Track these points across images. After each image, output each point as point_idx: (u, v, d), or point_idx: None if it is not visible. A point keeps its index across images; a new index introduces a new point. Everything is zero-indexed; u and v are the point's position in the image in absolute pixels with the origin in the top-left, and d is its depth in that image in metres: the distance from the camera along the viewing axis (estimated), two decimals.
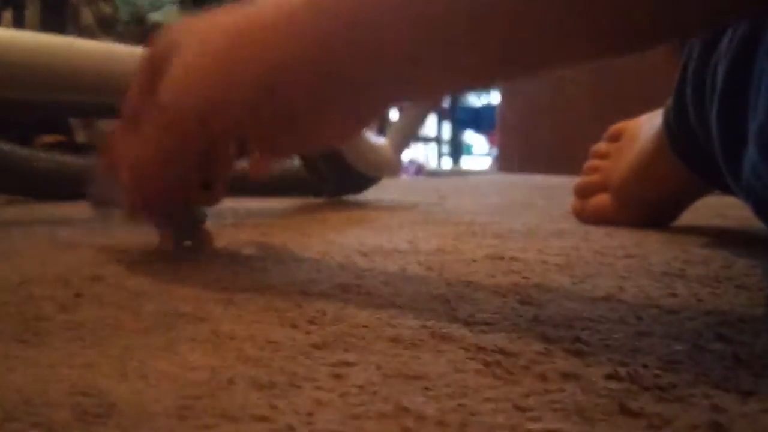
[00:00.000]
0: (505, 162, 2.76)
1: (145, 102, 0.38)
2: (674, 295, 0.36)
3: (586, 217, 0.73)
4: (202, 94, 0.36)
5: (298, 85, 0.34)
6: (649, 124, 0.68)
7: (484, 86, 0.48)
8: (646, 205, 0.69)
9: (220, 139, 0.39)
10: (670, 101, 0.59)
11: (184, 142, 0.37)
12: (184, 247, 0.45)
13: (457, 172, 3.45)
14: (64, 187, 0.87)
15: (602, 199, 0.72)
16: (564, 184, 1.24)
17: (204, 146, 0.38)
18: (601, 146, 0.76)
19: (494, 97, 4.55)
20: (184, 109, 0.36)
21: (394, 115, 1.16)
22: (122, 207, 0.42)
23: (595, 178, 0.73)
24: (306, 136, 0.38)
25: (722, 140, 0.37)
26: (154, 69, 0.38)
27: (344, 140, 0.41)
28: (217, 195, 0.44)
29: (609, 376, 0.22)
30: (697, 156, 0.57)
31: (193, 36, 0.36)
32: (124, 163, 0.40)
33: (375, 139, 0.96)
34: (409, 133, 1.01)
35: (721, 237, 0.63)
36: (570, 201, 0.77)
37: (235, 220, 0.68)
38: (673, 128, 0.59)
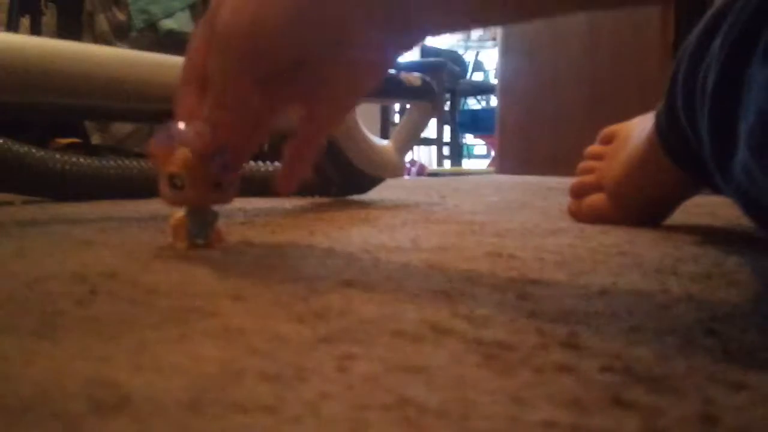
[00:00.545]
0: (504, 164, 2.75)
1: (208, 53, 0.39)
2: (666, 291, 0.36)
3: (581, 216, 0.74)
4: (255, 13, 0.36)
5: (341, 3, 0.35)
6: (642, 126, 0.68)
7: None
8: (639, 204, 0.69)
9: (275, 66, 0.39)
10: (661, 104, 0.60)
11: (249, 63, 0.38)
12: (196, 245, 0.45)
13: (457, 173, 3.43)
14: (80, 187, 0.88)
15: (597, 199, 0.73)
16: (560, 185, 1.24)
17: (265, 71, 0.39)
18: (595, 148, 0.76)
19: (493, 101, 4.54)
20: (240, 31, 0.37)
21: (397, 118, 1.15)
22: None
23: (589, 178, 0.74)
24: (349, 61, 0.39)
25: (712, 141, 0.37)
26: (211, 22, 0.39)
27: (384, 69, 0.42)
28: (230, 194, 0.45)
29: (603, 369, 0.23)
30: (687, 157, 0.57)
31: None
32: (197, 115, 0.40)
33: (379, 141, 0.97)
34: (412, 136, 1.02)
35: (711, 235, 0.63)
36: (566, 201, 0.77)
37: (245, 219, 0.68)
38: (664, 130, 0.60)
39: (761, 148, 0.30)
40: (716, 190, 0.59)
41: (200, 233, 0.45)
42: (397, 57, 0.42)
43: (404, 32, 0.38)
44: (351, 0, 0.36)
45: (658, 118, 0.61)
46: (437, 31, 0.40)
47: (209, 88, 0.40)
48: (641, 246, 0.53)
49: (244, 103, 0.39)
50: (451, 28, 0.39)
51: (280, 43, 0.38)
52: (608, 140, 0.75)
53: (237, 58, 0.38)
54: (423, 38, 0.40)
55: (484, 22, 0.39)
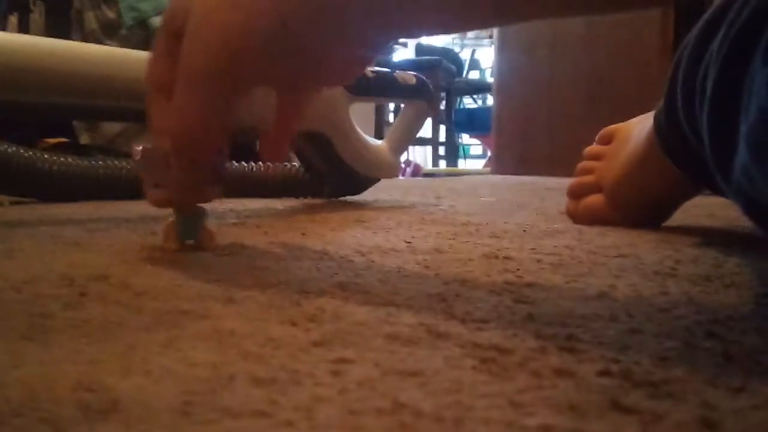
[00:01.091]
0: (501, 164, 2.76)
1: (170, 66, 0.39)
2: (666, 293, 0.36)
3: (579, 217, 0.73)
4: (223, 35, 0.36)
5: (306, 17, 0.35)
6: (641, 126, 0.68)
7: (486, 19, 0.47)
8: (639, 205, 0.69)
9: (245, 83, 0.39)
10: (660, 104, 0.59)
11: (218, 86, 0.38)
12: (186, 246, 0.45)
13: (453, 174, 3.44)
14: (68, 188, 0.88)
15: (595, 200, 0.73)
16: (558, 185, 1.24)
17: (234, 92, 0.39)
18: (594, 148, 0.76)
19: (489, 100, 4.56)
20: (211, 52, 0.37)
21: (392, 118, 1.15)
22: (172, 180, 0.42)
23: (588, 178, 0.74)
24: (318, 70, 0.39)
25: (712, 140, 0.37)
26: (172, 33, 0.39)
27: (352, 76, 0.42)
28: (216, 191, 0.44)
29: (601, 373, 0.22)
30: (687, 157, 0.57)
31: None
32: (165, 131, 0.40)
33: (373, 141, 0.97)
34: (407, 136, 1.02)
35: (711, 237, 0.63)
36: (564, 202, 0.77)
37: (237, 220, 0.68)
38: (663, 130, 0.60)
39: (761, 147, 0.30)
40: (716, 191, 0.59)
41: (190, 234, 0.45)
42: (379, 55, 0.43)
43: (390, 31, 0.38)
44: (318, 24, 0.36)
45: (657, 118, 0.61)
46: (419, 33, 0.40)
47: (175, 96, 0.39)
48: (640, 248, 0.53)
49: (212, 110, 0.39)
50: (431, 30, 0.40)
51: (255, 67, 0.37)
52: (607, 140, 0.75)
53: (213, 82, 0.38)
54: (403, 37, 0.40)
55: (463, 26, 0.39)
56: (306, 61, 0.38)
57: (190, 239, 0.45)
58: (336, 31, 0.36)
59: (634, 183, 0.68)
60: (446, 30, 0.40)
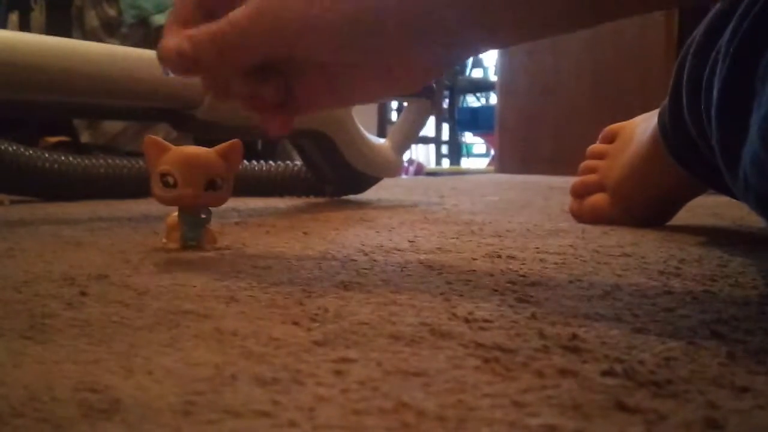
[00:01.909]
0: (504, 162, 2.76)
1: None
2: (670, 292, 0.36)
3: (583, 216, 0.73)
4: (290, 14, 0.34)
5: (388, 28, 0.33)
6: (644, 125, 0.68)
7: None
8: (643, 204, 0.69)
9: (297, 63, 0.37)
10: (664, 103, 0.59)
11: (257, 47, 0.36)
12: (188, 246, 0.45)
13: (456, 173, 3.44)
14: (69, 187, 0.88)
15: (599, 199, 0.72)
16: (561, 184, 1.24)
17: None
18: (597, 146, 0.76)
19: (493, 98, 4.55)
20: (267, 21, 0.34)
21: (395, 116, 1.15)
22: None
23: (591, 177, 0.74)
24: (382, 75, 0.37)
25: (721, 134, 0.37)
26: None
27: (414, 87, 0.39)
28: (224, 195, 0.44)
29: (605, 373, 0.22)
30: (691, 157, 0.57)
31: None
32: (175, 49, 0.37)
33: (376, 139, 0.97)
34: (410, 134, 1.02)
35: (715, 236, 0.63)
36: (567, 201, 0.77)
37: (239, 219, 0.68)
38: (667, 130, 0.59)
39: None
40: (720, 190, 0.59)
41: (192, 234, 0.45)
42: (452, 65, 0.40)
43: (446, 51, 0.35)
44: (399, 35, 0.34)
45: (661, 117, 0.61)
46: (476, 51, 0.37)
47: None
48: (644, 247, 0.53)
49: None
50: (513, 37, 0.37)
51: (315, 53, 0.35)
52: (610, 139, 0.75)
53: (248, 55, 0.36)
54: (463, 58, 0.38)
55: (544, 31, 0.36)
56: (375, 64, 0.36)
57: (193, 240, 0.45)
58: (421, 32, 0.34)
59: (637, 182, 0.68)
60: (527, 37, 0.37)
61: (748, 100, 0.32)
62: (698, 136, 0.49)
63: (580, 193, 0.75)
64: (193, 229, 0.45)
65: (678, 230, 0.66)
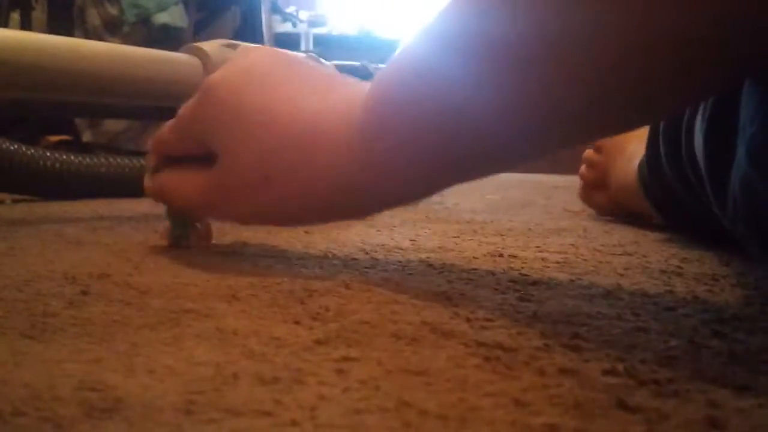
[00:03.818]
0: None
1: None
2: (671, 292, 0.36)
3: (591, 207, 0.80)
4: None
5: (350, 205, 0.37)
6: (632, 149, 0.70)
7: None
8: (637, 213, 0.72)
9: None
10: (643, 156, 0.61)
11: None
12: (179, 244, 0.45)
13: None
14: (71, 186, 0.88)
15: (603, 200, 0.77)
16: (563, 183, 1.24)
17: None
18: (588, 153, 0.80)
19: None
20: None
21: None
22: None
23: (591, 174, 0.78)
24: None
25: (709, 163, 0.37)
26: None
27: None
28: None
29: (607, 372, 0.22)
30: (670, 205, 0.59)
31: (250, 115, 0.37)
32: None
33: None
34: None
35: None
36: (569, 200, 0.78)
37: None
38: (647, 180, 0.62)
39: (761, 150, 0.30)
40: (695, 235, 0.61)
41: (180, 231, 0.45)
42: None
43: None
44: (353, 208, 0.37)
45: (641, 168, 0.63)
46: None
47: None
48: (646, 246, 0.53)
49: None
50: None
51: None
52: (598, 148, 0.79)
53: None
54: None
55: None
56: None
57: (180, 237, 0.45)
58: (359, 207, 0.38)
59: (629, 205, 0.72)
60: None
61: (733, 127, 0.33)
62: (677, 180, 0.50)
63: (585, 182, 0.79)
64: (180, 227, 0.45)
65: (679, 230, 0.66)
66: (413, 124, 0.32)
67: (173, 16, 1.77)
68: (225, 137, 0.38)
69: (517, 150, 0.32)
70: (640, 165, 0.63)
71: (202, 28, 1.89)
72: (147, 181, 0.44)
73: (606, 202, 0.77)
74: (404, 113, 0.32)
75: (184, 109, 0.41)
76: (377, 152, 0.33)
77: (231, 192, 0.38)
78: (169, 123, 0.42)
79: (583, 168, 0.80)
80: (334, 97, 0.37)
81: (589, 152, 0.79)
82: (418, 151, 0.32)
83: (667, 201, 0.59)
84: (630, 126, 0.34)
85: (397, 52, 0.34)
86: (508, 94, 0.28)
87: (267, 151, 0.36)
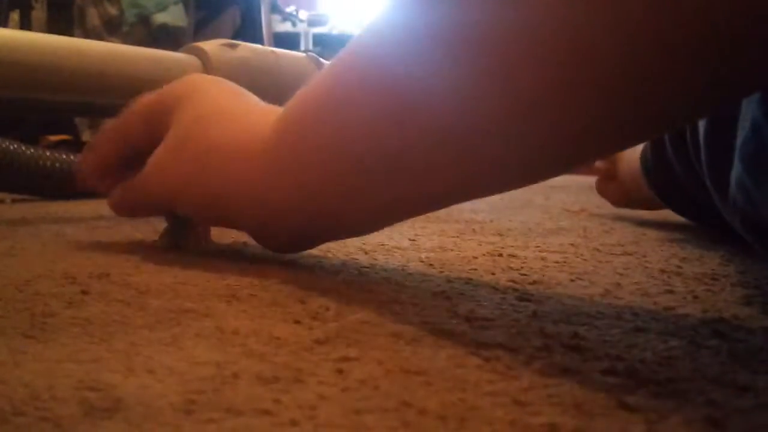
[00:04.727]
0: None
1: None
2: (671, 291, 0.36)
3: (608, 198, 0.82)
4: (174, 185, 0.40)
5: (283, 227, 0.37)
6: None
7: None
8: (646, 203, 0.72)
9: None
10: (646, 145, 0.61)
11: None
12: (177, 245, 0.45)
13: None
14: (70, 185, 0.87)
15: (614, 193, 0.79)
16: (563, 182, 1.24)
17: None
18: None
19: None
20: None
21: None
22: None
23: (603, 164, 0.80)
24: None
25: (710, 158, 0.37)
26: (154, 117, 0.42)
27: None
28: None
29: (606, 372, 0.22)
30: (673, 192, 0.60)
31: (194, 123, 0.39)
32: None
33: None
34: None
35: (717, 234, 0.63)
36: (568, 199, 0.78)
37: None
38: (650, 167, 0.62)
39: (753, 158, 0.30)
40: (698, 221, 0.62)
41: (178, 234, 0.45)
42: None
43: None
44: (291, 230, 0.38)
45: (643, 155, 0.63)
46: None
47: None
48: (645, 245, 0.53)
49: None
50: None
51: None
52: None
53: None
54: None
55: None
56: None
57: (178, 239, 0.45)
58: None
59: (639, 197, 0.72)
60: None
61: (734, 122, 0.33)
62: (684, 171, 0.50)
63: (600, 174, 0.82)
64: (178, 228, 0.45)
65: (679, 229, 0.66)
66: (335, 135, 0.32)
67: (173, 16, 1.77)
68: (174, 117, 0.40)
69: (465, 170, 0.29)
70: (644, 149, 0.63)
71: (202, 28, 1.89)
72: (113, 202, 0.45)
73: (618, 193, 0.78)
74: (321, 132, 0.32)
75: (147, 95, 0.44)
76: (280, 162, 0.34)
77: (159, 158, 0.40)
78: (119, 116, 0.44)
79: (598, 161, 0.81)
80: (265, 110, 0.39)
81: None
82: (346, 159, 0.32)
83: (669, 185, 0.59)
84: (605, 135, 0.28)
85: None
86: (464, 84, 0.26)
87: (193, 123, 0.39)
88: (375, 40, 0.30)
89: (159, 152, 0.41)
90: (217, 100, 0.40)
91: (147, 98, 0.43)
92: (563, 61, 0.23)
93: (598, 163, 0.81)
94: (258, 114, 0.38)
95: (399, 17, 0.28)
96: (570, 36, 0.23)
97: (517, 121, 0.26)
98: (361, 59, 0.30)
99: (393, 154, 0.29)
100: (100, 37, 1.70)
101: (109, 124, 0.45)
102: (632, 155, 0.70)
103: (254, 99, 0.41)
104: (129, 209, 0.45)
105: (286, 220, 0.36)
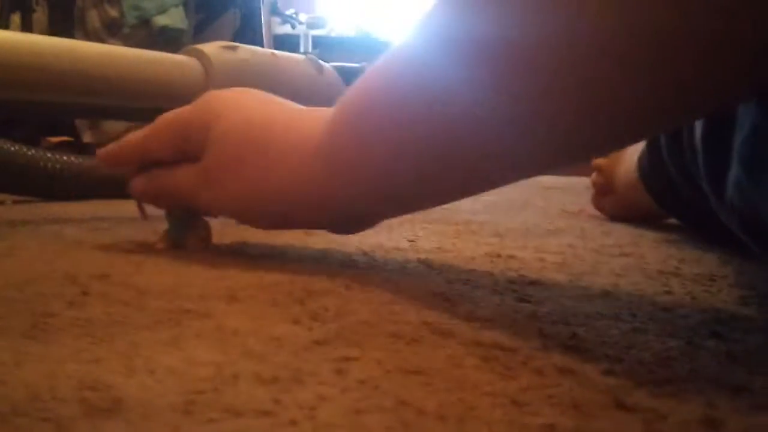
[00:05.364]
0: None
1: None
2: (669, 292, 0.36)
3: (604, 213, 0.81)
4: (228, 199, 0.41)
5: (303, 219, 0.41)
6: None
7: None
8: (649, 214, 0.72)
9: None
10: (643, 147, 0.62)
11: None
12: (177, 246, 0.45)
13: None
14: (71, 187, 0.87)
15: (611, 203, 0.78)
16: (560, 184, 1.24)
17: None
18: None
19: None
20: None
21: None
22: None
23: (598, 178, 0.79)
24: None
25: (707, 160, 0.37)
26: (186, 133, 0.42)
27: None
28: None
29: (605, 372, 0.22)
30: (669, 196, 0.60)
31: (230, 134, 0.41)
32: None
33: None
34: None
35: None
36: (567, 201, 0.78)
37: None
38: (647, 172, 0.63)
39: (752, 159, 0.30)
40: (693, 226, 0.61)
41: (177, 234, 0.45)
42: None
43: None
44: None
45: (640, 161, 0.63)
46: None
47: None
48: (643, 247, 0.53)
49: None
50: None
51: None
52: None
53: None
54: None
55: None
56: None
57: (177, 239, 0.45)
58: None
59: (635, 206, 0.72)
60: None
61: (732, 123, 0.33)
62: (678, 174, 0.50)
63: (596, 189, 0.81)
64: (178, 229, 0.45)
65: (677, 230, 0.66)
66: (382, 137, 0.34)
67: (173, 18, 1.77)
68: (214, 133, 0.41)
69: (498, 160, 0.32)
70: (640, 156, 0.63)
71: (202, 30, 1.89)
72: (137, 185, 0.46)
73: (615, 206, 0.78)
74: (377, 126, 0.34)
75: (174, 114, 0.44)
76: (339, 161, 0.36)
77: (212, 174, 0.41)
78: (144, 131, 0.45)
79: (593, 174, 0.81)
80: (310, 111, 0.41)
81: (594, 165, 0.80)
82: (385, 160, 0.34)
83: (666, 191, 0.59)
84: (625, 137, 0.32)
85: (368, 70, 0.35)
86: (504, 98, 0.28)
87: (244, 135, 0.40)
88: (424, 45, 0.32)
89: (208, 164, 0.41)
90: (258, 109, 0.41)
91: (172, 117, 0.44)
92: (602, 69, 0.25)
93: (594, 178, 0.81)
94: (300, 117, 0.40)
95: (446, 24, 0.30)
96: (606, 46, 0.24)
97: (551, 119, 0.28)
98: (415, 62, 0.32)
99: (446, 154, 0.32)
100: (100, 39, 1.70)
101: (130, 139, 0.46)
102: (629, 167, 0.70)
103: (287, 102, 0.43)
104: (152, 198, 0.46)
105: (351, 208, 0.38)
